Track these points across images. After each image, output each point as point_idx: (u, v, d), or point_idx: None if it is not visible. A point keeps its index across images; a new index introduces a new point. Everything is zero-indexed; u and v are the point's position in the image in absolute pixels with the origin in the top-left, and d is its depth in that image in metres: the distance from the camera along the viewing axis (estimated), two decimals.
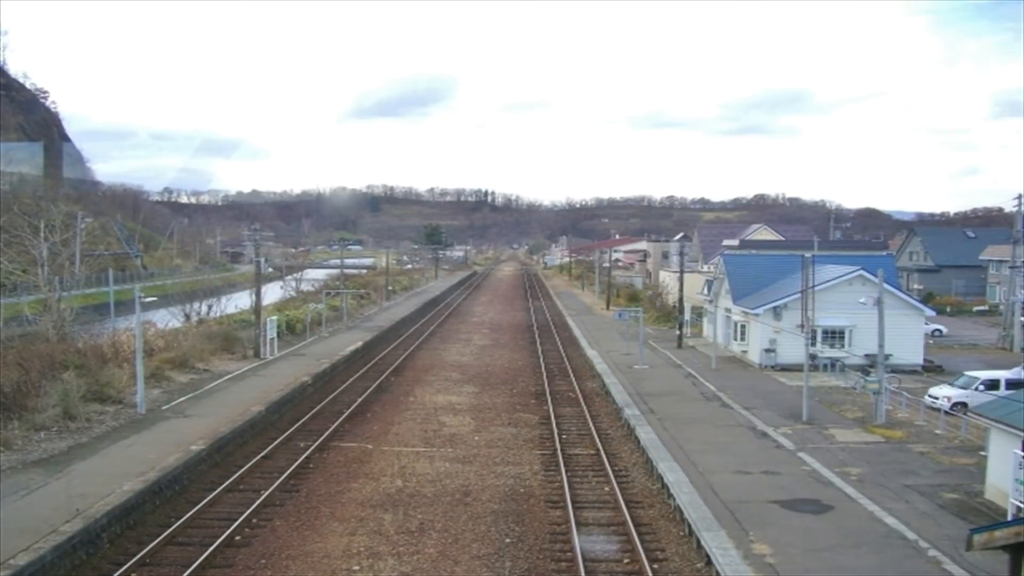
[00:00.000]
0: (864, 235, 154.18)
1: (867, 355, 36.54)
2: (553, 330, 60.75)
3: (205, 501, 20.25)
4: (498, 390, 37.30)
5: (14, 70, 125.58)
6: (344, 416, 30.19)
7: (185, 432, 25.27)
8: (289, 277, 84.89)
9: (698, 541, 17.41)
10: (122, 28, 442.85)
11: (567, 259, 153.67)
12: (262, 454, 24.68)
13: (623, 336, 46.91)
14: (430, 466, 24.28)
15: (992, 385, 30.06)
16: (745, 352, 43.72)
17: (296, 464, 23.63)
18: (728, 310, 46.62)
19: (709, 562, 16.38)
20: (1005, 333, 50.68)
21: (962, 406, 28.70)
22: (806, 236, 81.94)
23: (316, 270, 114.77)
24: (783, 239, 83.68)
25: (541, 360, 45.74)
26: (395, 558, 17.17)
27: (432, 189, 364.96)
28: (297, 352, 44.10)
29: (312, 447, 25.56)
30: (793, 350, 38.20)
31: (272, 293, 70.44)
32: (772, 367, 40.16)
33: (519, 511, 20.36)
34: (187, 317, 53.45)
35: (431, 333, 58.89)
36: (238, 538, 18.14)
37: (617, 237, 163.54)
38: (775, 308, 40.38)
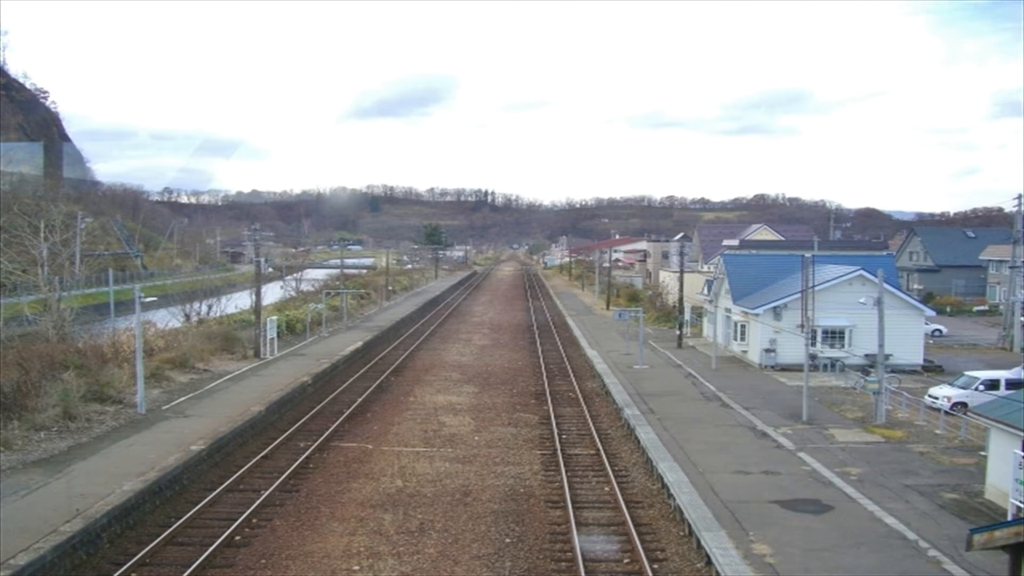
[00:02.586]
0: (864, 235, 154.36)
1: (867, 355, 36.56)
2: (553, 330, 60.75)
3: (205, 501, 20.26)
4: (498, 390, 37.30)
5: (14, 70, 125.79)
6: (344, 416, 30.19)
7: (185, 432, 25.27)
8: (289, 277, 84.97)
9: (698, 541, 17.41)
10: (122, 28, 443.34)
11: (567, 259, 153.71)
12: (262, 454, 24.68)
13: (623, 336, 46.94)
14: (430, 466, 24.28)
15: (992, 385, 30.07)
16: (745, 352, 43.72)
17: (296, 464, 23.63)
18: (728, 310, 46.63)
19: (709, 562, 16.38)
20: (1005, 333, 50.68)
21: (962, 406, 28.71)
22: (806, 236, 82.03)
23: (316, 270, 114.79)
24: (783, 239, 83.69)
25: (541, 360, 45.74)
26: (395, 558, 17.17)
27: (432, 189, 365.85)
28: (297, 352, 44.09)
29: (312, 447, 25.56)
30: (793, 350, 38.23)
31: (272, 293, 70.49)
32: (772, 367, 40.17)
33: (519, 511, 20.36)
34: (187, 317, 53.47)
35: (431, 333, 58.89)
36: (238, 538, 18.14)
37: (617, 237, 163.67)
38: (775, 308, 40.37)
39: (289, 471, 22.87)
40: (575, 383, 38.30)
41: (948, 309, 69.53)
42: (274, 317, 46.12)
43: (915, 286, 79.81)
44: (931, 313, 44.42)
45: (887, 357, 29.92)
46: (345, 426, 29.20)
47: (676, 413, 29.93)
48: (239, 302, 67.81)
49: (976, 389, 29.95)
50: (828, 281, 39.56)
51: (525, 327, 64.47)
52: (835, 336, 40.04)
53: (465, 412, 32.20)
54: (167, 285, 69.16)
